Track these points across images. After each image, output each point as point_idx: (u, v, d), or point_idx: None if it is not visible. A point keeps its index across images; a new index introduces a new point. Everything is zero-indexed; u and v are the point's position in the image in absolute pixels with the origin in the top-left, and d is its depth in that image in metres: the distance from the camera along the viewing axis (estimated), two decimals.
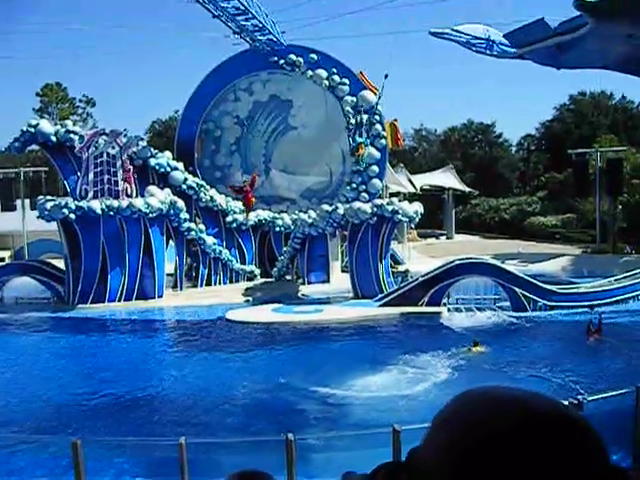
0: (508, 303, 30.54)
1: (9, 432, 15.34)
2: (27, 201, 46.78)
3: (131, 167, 35.27)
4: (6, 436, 12.99)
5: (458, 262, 30.97)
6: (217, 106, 40.85)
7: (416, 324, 29.36)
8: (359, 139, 36.13)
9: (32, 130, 35.77)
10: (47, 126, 36.65)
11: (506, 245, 51.51)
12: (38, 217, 35.47)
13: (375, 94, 37.32)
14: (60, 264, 36.16)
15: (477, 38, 31.67)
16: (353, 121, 37.25)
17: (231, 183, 38.90)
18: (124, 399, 19.95)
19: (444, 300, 31.21)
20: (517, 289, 30.23)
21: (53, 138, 35.82)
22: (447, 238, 59.83)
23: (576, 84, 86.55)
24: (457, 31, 31.55)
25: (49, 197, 36.09)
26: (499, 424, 1.20)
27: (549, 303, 30.23)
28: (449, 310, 30.83)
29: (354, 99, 37.73)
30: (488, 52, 31.93)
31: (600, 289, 31.59)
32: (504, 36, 30.96)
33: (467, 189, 63.92)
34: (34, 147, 41.41)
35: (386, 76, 36.03)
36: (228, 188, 38.29)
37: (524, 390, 1.28)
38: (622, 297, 31.10)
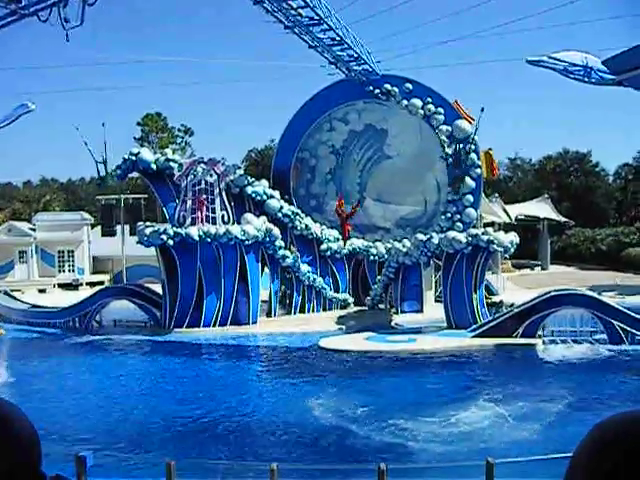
0: (605, 336, 29.82)
1: (104, 451, 15.68)
2: (127, 227, 48.00)
3: (204, 196, 35.73)
4: (102, 455, 13.29)
5: (554, 293, 30.42)
6: (312, 135, 41.33)
7: (510, 356, 28.94)
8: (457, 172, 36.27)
9: (133, 158, 36.76)
10: (147, 154, 37.64)
11: (603, 276, 50.30)
12: (137, 242, 36.34)
13: (470, 123, 37.25)
14: (157, 288, 36.93)
15: (574, 65, 31.14)
16: (449, 150, 37.24)
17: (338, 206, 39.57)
18: (216, 423, 20.18)
19: (539, 332, 30.69)
20: (614, 322, 29.46)
21: (153, 166, 36.73)
22: (542, 269, 58.76)
23: None
24: (554, 58, 31.12)
25: (148, 223, 36.99)
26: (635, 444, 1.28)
27: None
28: (544, 342, 30.25)
29: (449, 128, 37.71)
30: (586, 79, 31.34)
31: None
32: (602, 63, 30.38)
33: (562, 219, 62.83)
34: (134, 174, 42.51)
35: (482, 110, 35.99)
36: (337, 204, 39.08)
37: None
38: None
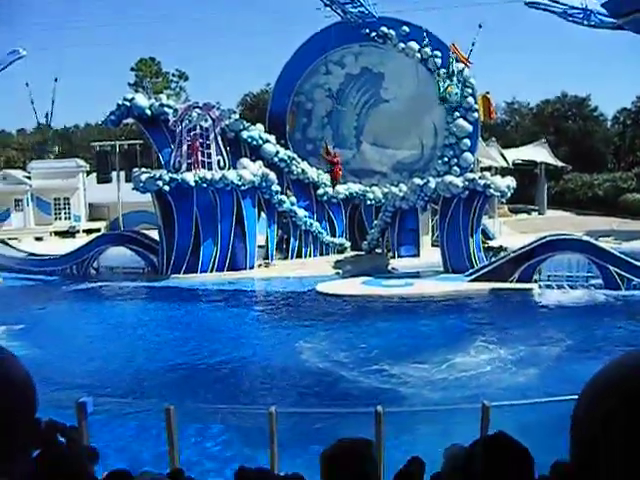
0: (601, 281, 29.85)
1: (104, 398, 15.75)
2: (122, 173, 47.82)
3: (200, 141, 35.48)
4: (101, 402, 13.34)
5: (550, 238, 30.36)
6: (308, 79, 40.92)
7: (506, 300, 29.01)
8: (448, 82, 35.48)
9: (127, 104, 36.46)
10: (142, 100, 37.31)
11: (600, 222, 50.31)
12: (133, 189, 36.22)
13: (467, 66, 36.82)
14: (154, 235, 36.89)
15: (574, 8, 30.78)
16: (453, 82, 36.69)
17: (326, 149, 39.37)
18: (213, 367, 20.32)
19: (535, 276, 30.74)
20: (610, 267, 29.41)
21: (148, 112, 36.44)
22: (539, 214, 58.69)
23: None
24: (553, 0, 30.73)
25: (144, 169, 36.85)
26: None
27: None
28: (540, 287, 30.33)
29: (446, 71, 37.27)
30: (585, 22, 30.98)
31: None
32: (602, 5, 29.97)
33: (560, 164, 62.58)
34: (129, 120, 42.23)
35: (480, 26, 35.44)
36: (323, 149, 38.83)
37: None
38: None
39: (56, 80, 41.89)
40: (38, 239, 52.69)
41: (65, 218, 56.88)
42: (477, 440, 3.05)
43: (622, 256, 29.87)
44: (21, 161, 70.26)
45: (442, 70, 36.26)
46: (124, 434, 14.59)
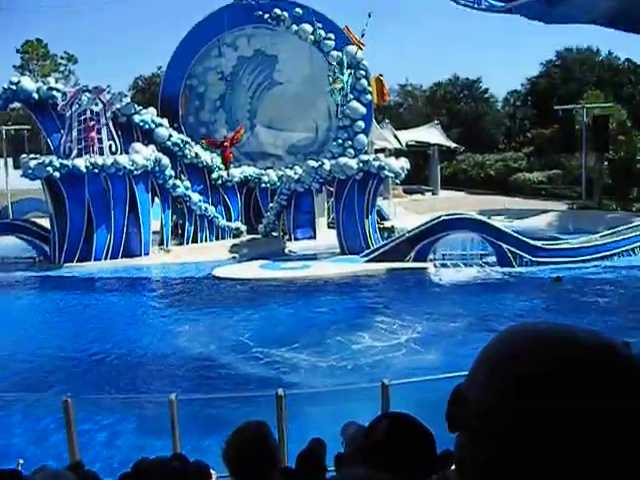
0: (494, 258, 30.64)
1: None
2: (10, 160, 46.32)
3: (91, 124, 34.69)
4: None
5: (444, 218, 31.01)
6: (201, 62, 40.34)
7: (403, 280, 29.43)
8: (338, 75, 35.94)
9: (13, 87, 35.20)
10: (28, 83, 36.11)
11: (492, 201, 51.40)
12: (22, 176, 35.13)
13: (361, 49, 37.03)
14: (45, 223, 35.97)
15: None
16: (341, 77, 36.91)
17: (212, 138, 39.00)
18: (112, 358, 20.03)
19: (430, 256, 31.28)
20: (503, 244, 30.28)
21: (35, 95, 35.29)
22: (433, 194, 59.64)
23: (563, 40, 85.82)
24: None
25: (32, 155, 35.78)
26: (543, 355, 1.18)
27: (535, 259, 30.30)
28: (435, 266, 30.93)
29: (339, 54, 37.40)
30: (476, 6, 31.19)
31: (586, 245, 31.72)
32: None
33: (452, 145, 63.58)
34: (16, 105, 40.93)
35: (369, 15, 35.70)
36: (204, 141, 38.34)
37: (567, 325, 1.25)
38: (607, 254, 31.25)
39: None
40: None
41: None
42: (377, 418, 3.05)
43: (514, 234, 30.80)
44: None
45: (334, 63, 36.46)
46: (18, 429, 14.27)
